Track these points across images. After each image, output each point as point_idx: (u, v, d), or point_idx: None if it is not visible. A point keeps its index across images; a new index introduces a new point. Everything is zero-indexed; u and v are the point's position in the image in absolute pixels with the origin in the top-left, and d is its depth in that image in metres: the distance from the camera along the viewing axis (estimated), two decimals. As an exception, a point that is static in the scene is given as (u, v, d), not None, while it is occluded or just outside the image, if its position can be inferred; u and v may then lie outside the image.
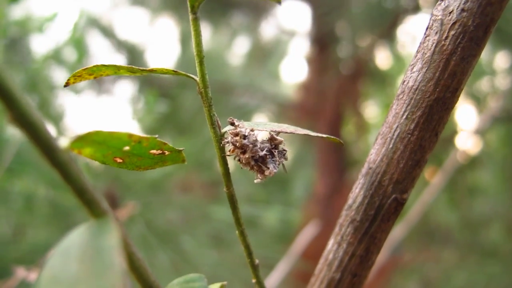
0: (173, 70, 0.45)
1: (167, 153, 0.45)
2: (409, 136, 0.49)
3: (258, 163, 0.45)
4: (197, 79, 0.45)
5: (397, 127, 0.49)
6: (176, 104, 2.43)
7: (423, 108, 0.48)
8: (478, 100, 2.99)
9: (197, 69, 0.45)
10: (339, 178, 2.93)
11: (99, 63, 0.47)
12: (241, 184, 3.13)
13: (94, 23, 2.50)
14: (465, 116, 3.18)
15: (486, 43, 0.48)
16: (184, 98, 2.53)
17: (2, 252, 1.60)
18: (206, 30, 3.02)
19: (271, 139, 0.46)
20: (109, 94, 2.65)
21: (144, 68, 0.46)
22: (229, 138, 0.45)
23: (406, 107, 0.49)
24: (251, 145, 0.44)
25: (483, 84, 3.00)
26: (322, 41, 2.86)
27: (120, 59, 2.65)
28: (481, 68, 2.88)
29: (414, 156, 0.49)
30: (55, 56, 2.22)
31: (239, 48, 3.59)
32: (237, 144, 0.44)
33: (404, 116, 0.49)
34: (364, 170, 0.52)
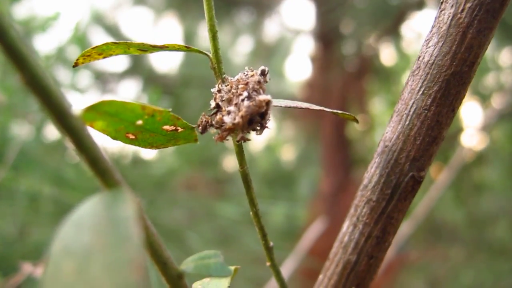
0: (185, 46, 0.45)
1: (180, 129, 0.44)
2: (426, 111, 0.48)
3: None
4: (210, 54, 0.44)
5: (413, 103, 0.48)
6: (179, 103, 2.43)
7: (440, 83, 0.47)
8: (484, 97, 2.97)
9: (210, 44, 0.45)
10: (345, 176, 2.92)
11: (109, 42, 0.46)
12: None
13: (98, 21, 2.50)
14: (471, 113, 3.16)
15: (502, 15, 0.47)
16: (188, 97, 2.52)
17: (8, 251, 1.59)
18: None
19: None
20: (113, 93, 2.65)
21: (155, 45, 0.45)
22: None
23: (422, 82, 0.48)
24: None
25: (489, 81, 2.98)
26: (327, 39, 2.85)
27: (124, 58, 2.64)
28: (486, 64, 2.87)
29: (431, 132, 0.48)
30: (59, 55, 2.22)
31: (243, 47, 3.59)
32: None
33: (421, 92, 0.48)
34: (379, 149, 0.51)
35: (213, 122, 0.42)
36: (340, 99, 2.89)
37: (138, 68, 2.61)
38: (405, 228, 1.99)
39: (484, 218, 3.03)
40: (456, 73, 0.47)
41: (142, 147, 0.45)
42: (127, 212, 0.28)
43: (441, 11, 0.48)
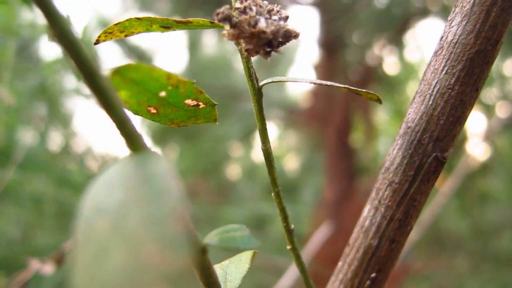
0: (210, 22, 0.44)
1: (201, 105, 0.44)
2: (450, 91, 0.47)
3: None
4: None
5: (436, 83, 0.48)
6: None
7: (464, 62, 0.47)
8: (488, 107, 2.97)
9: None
10: (348, 184, 2.90)
11: (132, 17, 0.46)
12: (248, 190, 3.11)
13: (104, 27, 2.52)
14: (475, 123, 3.16)
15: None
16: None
17: (12, 252, 1.58)
18: (213, 36, 3.03)
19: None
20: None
21: (179, 20, 0.45)
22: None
23: (446, 62, 0.47)
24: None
25: (493, 91, 2.99)
26: (330, 47, 2.86)
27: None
28: (490, 74, 2.87)
29: (455, 112, 0.47)
30: (65, 61, 2.23)
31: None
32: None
33: (444, 71, 0.47)
34: (401, 130, 0.50)
35: (234, 19, 0.40)
36: (344, 107, 2.89)
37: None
38: (409, 237, 1.97)
39: (489, 228, 3.01)
40: (480, 51, 0.46)
41: (162, 123, 0.44)
42: (161, 167, 0.27)
43: (464, -9, 0.48)
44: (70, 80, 2.35)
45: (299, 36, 0.42)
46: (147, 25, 0.47)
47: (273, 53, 0.42)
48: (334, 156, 2.96)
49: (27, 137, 1.94)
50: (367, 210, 0.52)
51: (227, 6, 0.41)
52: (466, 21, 0.47)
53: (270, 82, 0.45)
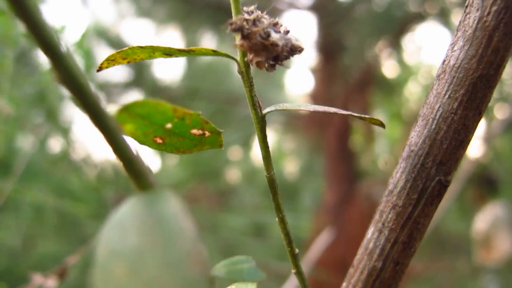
0: (213, 50, 0.44)
1: (207, 134, 0.44)
2: (453, 115, 0.47)
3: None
4: (238, 58, 0.44)
5: (439, 107, 0.48)
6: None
7: (466, 86, 0.47)
8: (488, 109, 2.97)
9: (238, 52, 0.44)
10: (349, 187, 2.90)
11: (134, 45, 0.46)
12: (248, 195, 3.11)
13: (101, 34, 2.52)
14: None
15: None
16: (192, 109, 2.52)
17: (13, 263, 1.57)
18: (211, 41, 3.03)
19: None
20: (116, 105, 2.64)
21: (181, 49, 0.45)
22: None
23: (448, 86, 0.48)
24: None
25: (493, 92, 2.98)
26: (329, 50, 2.86)
27: (127, 70, 2.65)
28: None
29: (458, 136, 0.47)
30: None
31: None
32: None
33: (447, 96, 0.48)
34: (405, 153, 0.50)
35: (247, 30, 0.39)
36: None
37: (142, 79, 2.62)
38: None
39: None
40: (483, 76, 0.47)
41: (168, 151, 0.45)
42: (173, 208, 0.27)
43: (466, 15, 0.48)
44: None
45: (303, 51, 0.43)
46: (150, 52, 0.47)
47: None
48: (334, 160, 2.96)
49: (26, 145, 1.94)
50: (371, 232, 0.52)
51: (240, 17, 0.40)
52: (468, 45, 0.47)
53: (274, 110, 0.45)
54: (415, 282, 2.92)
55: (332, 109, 0.45)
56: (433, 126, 0.48)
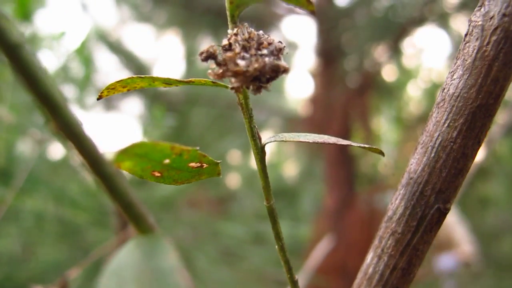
0: (212, 81, 0.44)
1: (205, 166, 0.44)
2: (452, 144, 0.47)
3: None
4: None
5: (438, 135, 0.48)
6: (185, 121, 2.43)
7: (466, 116, 0.47)
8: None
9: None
10: (349, 192, 2.91)
11: (134, 76, 0.46)
12: (248, 199, 3.11)
13: (102, 39, 2.52)
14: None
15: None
16: (193, 115, 2.52)
17: (13, 271, 1.57)
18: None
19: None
20: (117, 110, 2.65)
21: (181, 80, 0.45)
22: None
23: (448, 115, 0.48)
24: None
25: (492, 121, 2.98)
26: (328, 55, 2.86)
27: (128, 74, 2.65)
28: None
29: (457, 164, 0.47)
30: (64, 73, 2.23)
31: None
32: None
33: (446, 124, 0.48)
34: (404, 180, 0.50)
35: (219, 57, 0.39)
36: (343, 115, 2.90)
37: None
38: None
39: (490, 233, 3.01)
40: (482, 105, 0.46)
41: (166, 183, 0.45)
42: (170, 261, 0.28)
43: (465, 44, 0.48)
44: (69, 91, 2.35)
45: (289, 71, 0.42)
46: (150, 81, 0.47)
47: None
48: (334, 164, 2.96)
49: (26, 152, 1.94)
50: (370, 258, 0.52)
51: (212, 44, 0.40)
52: (468, 75, 0.47)
53: (273, 141, 0.45)
54: (416, 286, 2.92)
55: (332, 140, 0.45)
56: (432, 154, 0.48)
